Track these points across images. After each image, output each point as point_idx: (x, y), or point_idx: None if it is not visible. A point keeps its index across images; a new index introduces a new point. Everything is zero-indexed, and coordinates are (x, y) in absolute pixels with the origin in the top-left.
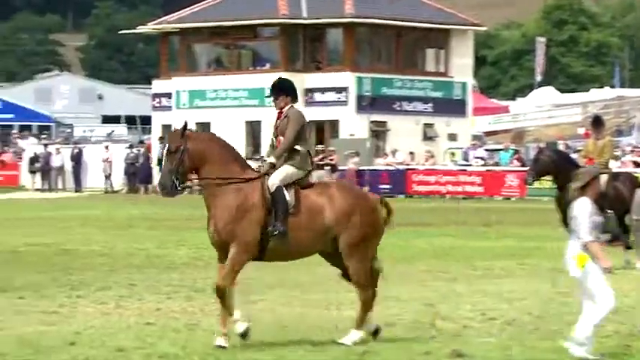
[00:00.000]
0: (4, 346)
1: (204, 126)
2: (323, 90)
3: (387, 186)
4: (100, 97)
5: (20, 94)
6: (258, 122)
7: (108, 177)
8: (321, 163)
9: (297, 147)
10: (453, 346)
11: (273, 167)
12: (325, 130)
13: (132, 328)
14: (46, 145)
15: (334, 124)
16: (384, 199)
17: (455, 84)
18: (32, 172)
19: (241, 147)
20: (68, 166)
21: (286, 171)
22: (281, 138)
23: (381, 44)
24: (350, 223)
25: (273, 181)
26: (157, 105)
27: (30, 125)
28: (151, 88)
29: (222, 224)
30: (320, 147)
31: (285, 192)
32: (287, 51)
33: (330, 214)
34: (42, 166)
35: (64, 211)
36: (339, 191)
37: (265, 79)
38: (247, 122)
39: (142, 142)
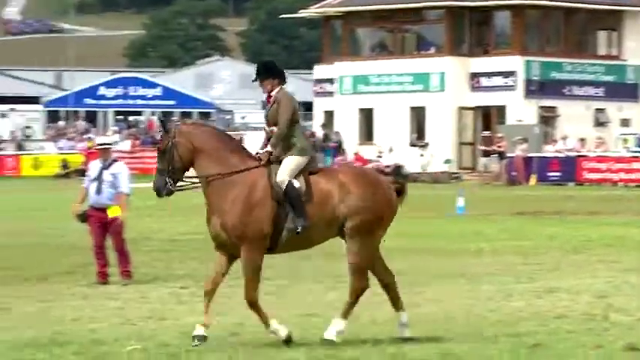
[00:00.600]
0: (167, 336)
1: (367, 112)
2: (489, 74)
3: (557, 173)
4: None
5: (181, 80)
6: (423, 108)
7: None
8: (489, 149)
9: (294, 132)
10: (627, 339)
11: (276, 157)
12: (492, 116)
13: (295, 319)
14: None
15: (501, 110)
16: (400, 180)
17: (628, 67)
18: None
19: (405, 133)
20: None
21: (291, 163)
22: (274, 128)
23: (550, 26)
24: (358, 208)
25: (282, 177)
26: (319, 91)
27: (190, 112)
28: (312, 74)
29: (229, 222)
30: (486, 133)
31: (296, 182)
32: (452, 34)
33: (339, 200)
34: None
35: None
36: (348, 176)
37: (430, 64)
38: (411, 108)
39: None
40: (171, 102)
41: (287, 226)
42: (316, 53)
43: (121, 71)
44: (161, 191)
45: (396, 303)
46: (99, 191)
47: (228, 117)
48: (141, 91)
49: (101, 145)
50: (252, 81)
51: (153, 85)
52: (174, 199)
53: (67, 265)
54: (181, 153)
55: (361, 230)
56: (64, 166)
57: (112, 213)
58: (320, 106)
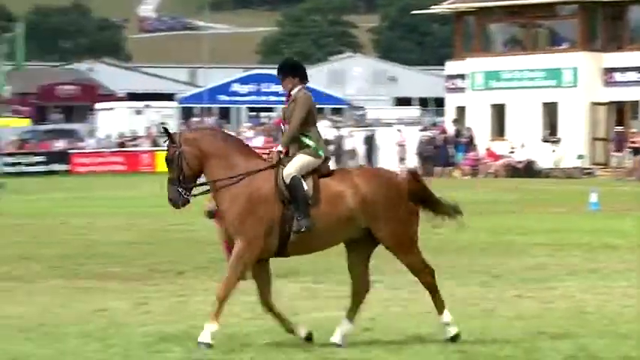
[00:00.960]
0: None
1: (499, 108)
2: (623, 70)
3: None
4: (393, 79)
5: (313, 76)
6: (555, 104)
7: (402, 160)
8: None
9: (308, 133)
10: None
11: (287, 155)
12: (625, 112)
13: (427, 314)
14: (338, 128)
15: (635, 105)
16: (417, 175)
17: None
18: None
19: (537, 129)
20: (360, 149)
21: (301, 160)
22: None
23: None
24: (382, 214)
25: (289, 170)
26: (451, 87)
27: (322, 108)
28: (444, 70)
29: (230, 219)
30: (619, 129)
31: (303, 182)
32: (585, 30)
33: (352, 201)
34: (334, 150)
35: None
36: (361, 178)
37: (563, 59)
38: (544, 104)
39: (435, 124)
40: None
41: (293, 227)
42: (448, 49)
43: (254, 68)
44: (177, 202)
45: (353, 311)
46: None
47: (360, 113)
48: (273, 88)
49: None
50: (276, 77)
51: None
52: None
53: (201, 260)
54: (189, 160)
55: (398, 237)
56: None
57: None
58: (452, 102)
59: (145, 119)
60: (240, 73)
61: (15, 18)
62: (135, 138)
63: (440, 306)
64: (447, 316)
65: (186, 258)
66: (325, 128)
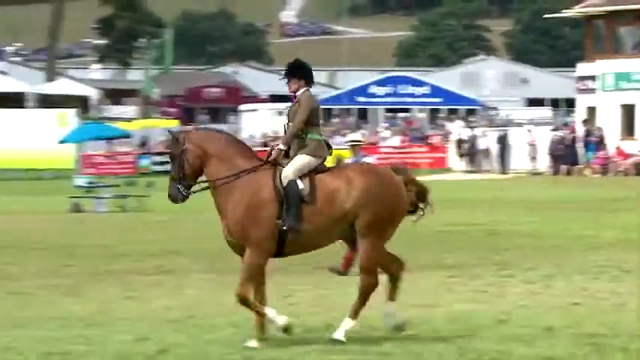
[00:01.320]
0: (437, 323)
1: (629, 108)
2: None
3: None
4: (525, 81)
5: (447, 79)
6: None
7: (533, 159)
8: None
9: (310, 134)
10: None
11: (286, 155)
12: None
13: (560, 308)
14: (472, 128)
15: None
16: (414, 178)
17: None
18: (461, 155)
19: None
20: (494, 148)
21: (301, 161)
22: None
23: None
24: (368, 205)
25: (287, 173)
26: (582, 88)
27: (456, 109)
28: (575, 71)
29: (233, 224)
30: None
31: (300, 182)
32: None
33: (347, 197)
34: (469, 149)
35: (488, 193)
36: (356, 173)
37: None
38: None
39: (566, 124)
40: (439, 99)
41: (277, 223)
42: (579, 51)
43: (390, 70)
44: (176, 198)
45: (392, 294)
46: None
47: (493, 113)
48: (410, 89)
49: (352, 141)
50: (280, 79)
51: (421, 84)
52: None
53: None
54: (191, 159)
55: (371, 228)
56: (338, 161)
57: None
58: (582, 103)
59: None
60: (378, 76)
61: (164, 24)
62: (277, 138)
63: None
64: (350, 323)
65: (324, 254)
66: (459, 128)
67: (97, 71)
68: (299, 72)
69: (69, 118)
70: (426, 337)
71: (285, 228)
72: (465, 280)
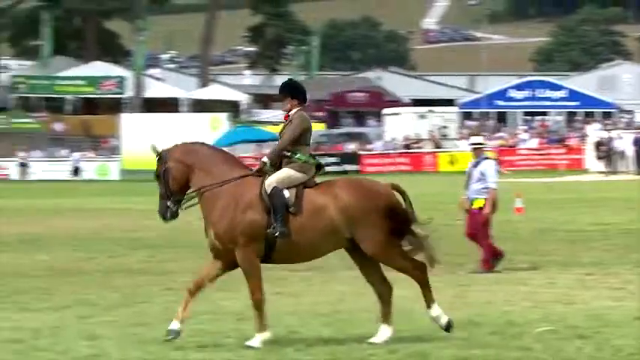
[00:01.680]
0: (575, 319)
1: None
2: None
3: None
4: None
5: (584, 83)
6: None
7: None
8: None
9: (299, 154)
10: None
11: (271, 166)
12: None
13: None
14: (608, 131)
15: None
16: (396, 185)
17: None
18: (599, 157)
19: None
20: (629, 150)
21: (284, 173)
22: None
23: None
24: (364, 222)
25: (270, 180)
26: None
27: (593, 112)
28: None
29: (220, 230)
30: None
31: (286, 191)
32: None
33: (335, 211)
34: (605, 151)
35: (624, 193)
36: (343, 188)
37: None
38: None
39: None
40: (576, 103)
41: (268, 231)
42: None
43: (528, 75)
44: (165, 216)
45: (387, 314)
46: (468, 186)
47: (629, 116)
48: (547, 93)
49: (473, 144)
50: (276, 97)
51: (559, 88)
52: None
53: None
54: (175, 175)
55: (377, 246)
56: None
57: (475, 205)
58: None
59: (428, 123)
60: (516, 80)
61: (311, 32)
62: (419, 140)
63: (429, 299)
64: (435, 309)
65: (466, 251)
66: (597, 131)
67: (248, 77)
68: (293, 92)
69: (221, 122)
70: (564, 333)
71: (276, 234)
72: (601, 277)
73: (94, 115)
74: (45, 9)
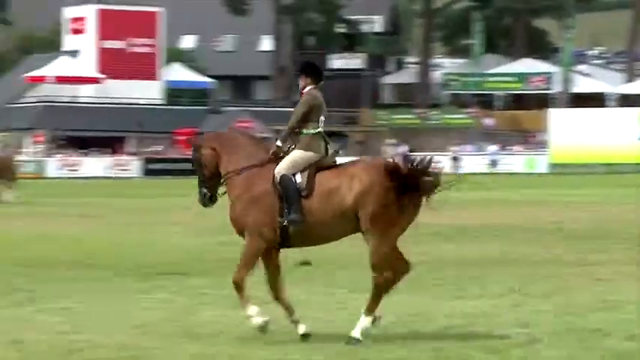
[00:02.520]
0: None
1: None
2: None
3: None
4: None
5: None
6: None
7: None
8: None
9: (305, 130)
10: None
11: (286, 149)
12: None
13: None
14: None
15: None
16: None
17: None
18: None
19: None
20: None
21: (293, 157)
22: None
23: None
24: (370, 199)
25: (279, 169)
26: None
27: None
28: None
29: (234, 214)
30: None
31: (298, 176)
32: None
33: (348, 192)
34: None
35: None
36: (360, 169)
37: None
38: None
39: None
40: None
41: (279, 220)
42: None
43: None
44: (203, 202)
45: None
46: None
47: None
48: None
49: None
50: (295, 75)
51: None
52: None
53: None
54: (207, 162)
55: (374, 223)
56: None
57: None
58: None
59: None
60: None
61: None
62: None
63: (370, 308)
64: (365, 321)
65: None
66: None
67: None
68: (307, 70)
69: None
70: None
71: (285, 224)
72: None
73: (522, 111)
74: (476, 9)
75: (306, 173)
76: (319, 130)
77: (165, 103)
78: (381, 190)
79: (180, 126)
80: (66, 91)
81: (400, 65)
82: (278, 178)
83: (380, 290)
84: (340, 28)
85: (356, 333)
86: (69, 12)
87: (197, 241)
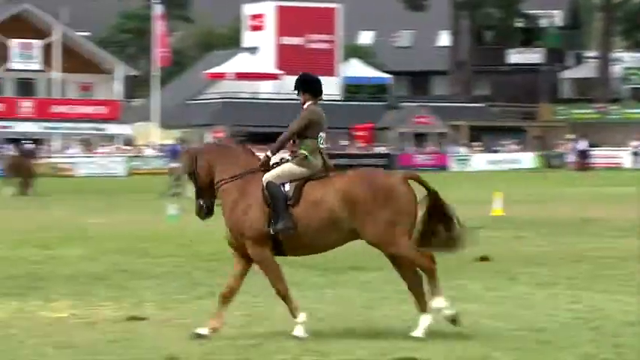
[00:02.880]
0: None
1: None
2: None
3: None
4: None
5: None
6: None
7: None
8: None
9: (302, 146)
10: None
11: (271, 161)
12: None
13: None
14: None
15: None
16: (414, 175)
17: None
18: None
19: None
20: None
21: (283, 168)
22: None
23: None
24: (367, 213)
25: (266, 177)
26: None
27: None
28: None
29: (230, 224)
30: None
31: (287, 186)
32: None
33: (335, 202)
34: None
35: None
36: (347, 179)
37: None
38: None
39: None
40: None
41: (266, 229)
42: None
43: None
44: (199, 215)
45: (422, 302)
46: None
47: None
48: None
49: None
50: (295, 92)
51: None
52: None
53: None
54: (201, 173)
55: (380, 236)
56: None
57: None
58: None
59: None
60: None
61: None
62: None
63: (436, 291)
64: (439, 301)
65: None
66: None
67: None
68: (304, 86)
69: None
70: None
71: (272, 233)
72: None
73: None
74: None
75: (294, 184)
76: (317, 147)
77: (343, 99)
78: (369, 202)
79: (358, 122)
80: (245, 88)
81: (579, 60)
82: (265, 184)
83: (432, 272)
84: (519, 23)
85: (418, 333)
86: (248, 9)
87: None
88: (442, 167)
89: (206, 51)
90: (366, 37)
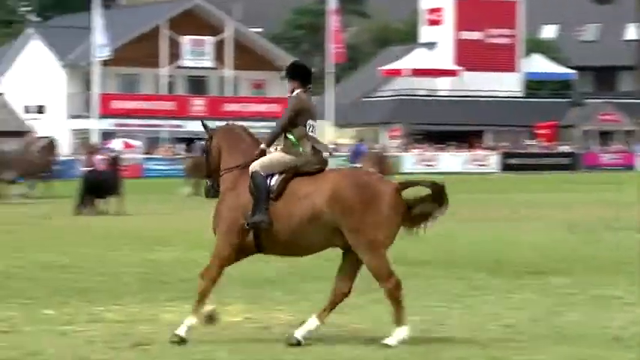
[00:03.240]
0: None
1: None
2: None
3: None
4: None
5: None
6: None
7: None
8: None
9: (289, 134)
10: None
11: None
12: None
13: None
14: None
15: None
16: (409, 182)
17: None
18: None
19: None
20: None
21: (271, 157)
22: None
23: None
24: (349, 213)
25: (253, 166)
26: None
27: None
28: None
29: (213, 214)
30: None
31: (274, 179)
32: None
33: (319, 201)
34: None
35: None
36: (337, 178)
37: None
38: None
39: None
40: None
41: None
42: None
43: None
44: (206, 194)
45: (326, 312)
46: None
47: None
48: None
49: None
50: (281, 79)
51: None
52: None
53: None
54: (214, 154)
55: (359, 237)
56: None
57: None
58: None
59: None
60: None
61: None
62: None
63: (400, 319)
64: (403, 331)
65: None
66: None
67: None
68: (293, 73)
69: None
70: None
71: (247, 227)
72: None
73: None
74: None
75: (281, 177)
76: (304, 134)
77: (524, 96)
78: (354, 201)
79: (540, 119)
80: (422, 84)
81: None
82: (251, 173)
83: (396, 298)
84: None
85: (391, 341)
86: (426, 3)
87: (554, 238)
88: (629, 167)
89: (382, 47)
90: (549, 31)
